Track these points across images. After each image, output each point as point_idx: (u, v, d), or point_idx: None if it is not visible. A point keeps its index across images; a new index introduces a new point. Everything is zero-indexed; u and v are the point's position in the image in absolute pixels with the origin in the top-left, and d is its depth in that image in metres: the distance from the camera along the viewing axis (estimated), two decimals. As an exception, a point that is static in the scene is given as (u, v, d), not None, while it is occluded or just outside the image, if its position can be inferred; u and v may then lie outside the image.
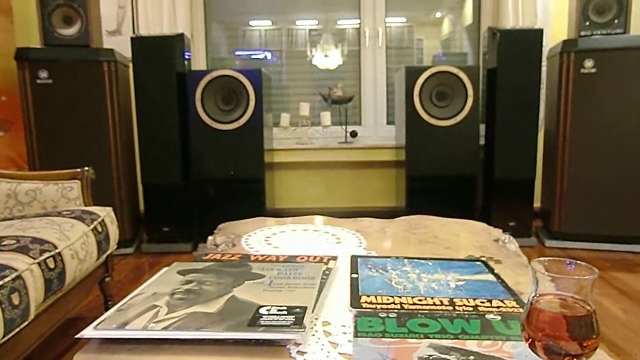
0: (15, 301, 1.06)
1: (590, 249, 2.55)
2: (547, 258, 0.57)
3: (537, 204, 2.79)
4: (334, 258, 1.03)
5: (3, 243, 1.21)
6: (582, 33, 2.49)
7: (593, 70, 2.44)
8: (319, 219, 1.49)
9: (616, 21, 2.45)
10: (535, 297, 0.55)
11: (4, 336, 1.02)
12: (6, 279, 1.04)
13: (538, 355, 0.54)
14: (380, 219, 1.50)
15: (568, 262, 0.56)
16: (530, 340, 0.54)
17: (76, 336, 0.69)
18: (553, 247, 2.62)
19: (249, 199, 2.69)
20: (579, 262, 0.56)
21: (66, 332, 1.67)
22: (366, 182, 3.24)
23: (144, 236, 2.76)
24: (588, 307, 0.52)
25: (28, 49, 2.47)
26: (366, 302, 0.82)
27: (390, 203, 3.20)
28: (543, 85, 2.71)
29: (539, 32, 2.56)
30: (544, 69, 2.64)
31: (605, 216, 2.52)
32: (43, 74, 2.44)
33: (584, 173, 2.52)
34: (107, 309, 1.75)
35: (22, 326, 1.09)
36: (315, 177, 3.24)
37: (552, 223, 2.62)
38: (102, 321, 0.72)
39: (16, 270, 1.09)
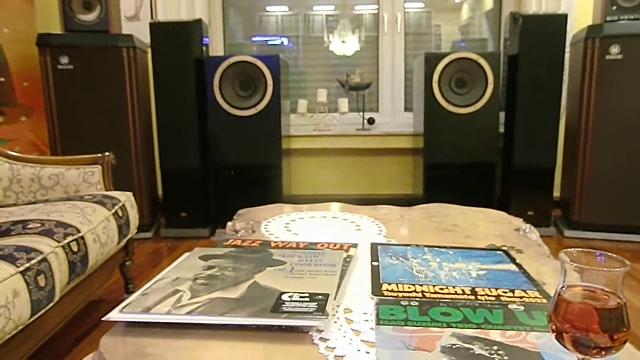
0: (42, 283, 1.08)
1: (610, 240, 2.51)
2: (575, 249, 0.56)
3: (556, 193, 2.75)
4: (355, 245, 1.03)
5: (29, 226, 1.23)
6: (609, 18, 2.42)
7: (619, 56, 2.37)
8: (337, 206, 1.48)
9: (644, 6, 2.38)
10: (563, 289, 0.54)
11: (30, 317, 1.05)
12: (32, 262, 1.07)
13: (565, 348, 0.53)
14: (397, 206, 1.49)
15: (598, 253, 0.55)
16: (557, 332, 0.53)
17: (102, 318, 0.70)
18: (572, 237, 2.58)
19: (266, 185, 2.70)
20: (609, 253, 0.55)
21: (89, 313, 1.70)
22: (383, 169, 3.23)
23: (162, 221, 2.80)
24: (619, 300, 0.51)
25: (49, 35, 2.49)
26: (387, 290, 0.82)
27: (407, 191, 3.18)
28: (565, 72, 2.65)
29: (563, 18, 2.50)
30: (566, 55, 2.58)
31: (626, 207, 2.47)
32: (64, 59, 2.46)
33: (606, 163, 2.47)
34: (127, 292, 1.79)
35: (47, 307, 1.12)
36: (331, 164, 3.24)
37: (572, 213, 2.59)
38: (127, 305, 0.74)
39: (42, 252, 1.11)
